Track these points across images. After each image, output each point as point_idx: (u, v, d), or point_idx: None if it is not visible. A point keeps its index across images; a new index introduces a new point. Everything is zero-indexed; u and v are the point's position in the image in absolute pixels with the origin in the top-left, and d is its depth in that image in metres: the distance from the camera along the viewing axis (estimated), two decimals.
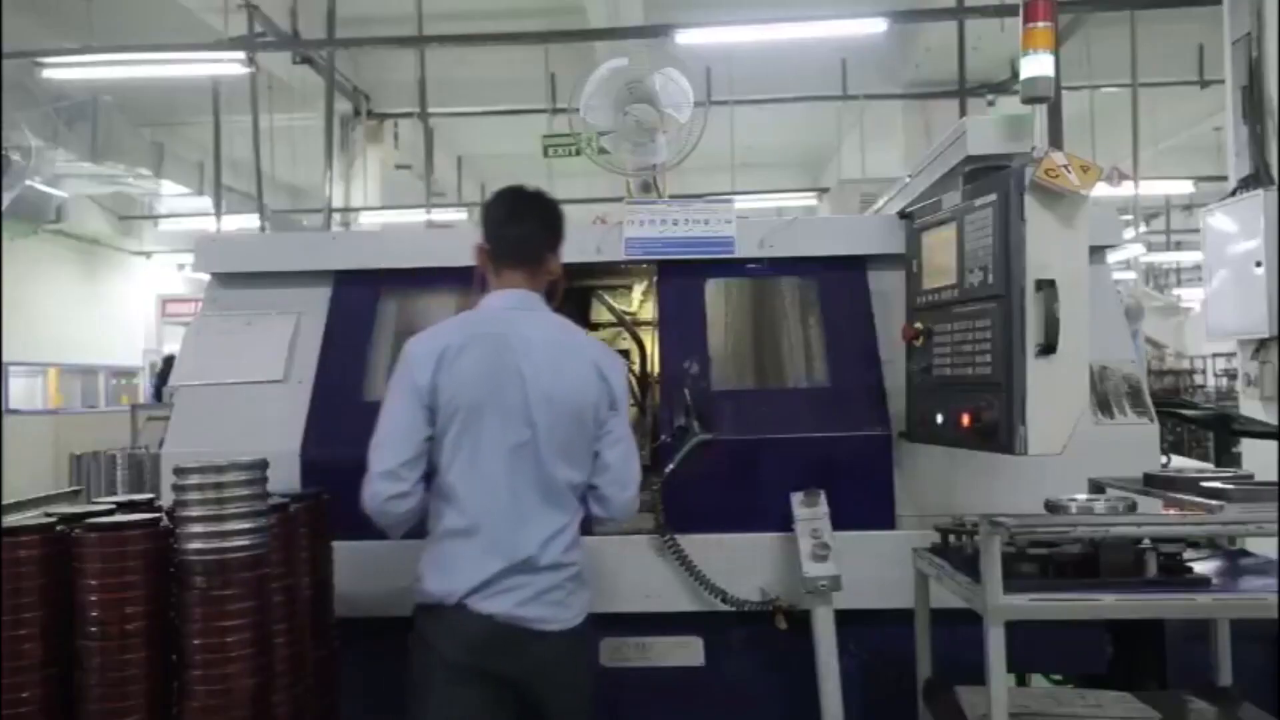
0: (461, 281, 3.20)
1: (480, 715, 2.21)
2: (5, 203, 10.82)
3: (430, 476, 2.28)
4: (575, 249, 2.80)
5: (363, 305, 3.17)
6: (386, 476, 2.20)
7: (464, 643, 2.20)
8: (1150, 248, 16.36)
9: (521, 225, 2.41)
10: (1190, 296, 18.68)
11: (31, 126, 10.65)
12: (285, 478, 2.56)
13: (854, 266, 3.14)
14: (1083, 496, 2.44)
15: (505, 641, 2.20)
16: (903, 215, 2.98)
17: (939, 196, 2.78)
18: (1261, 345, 5.77)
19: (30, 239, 13.36)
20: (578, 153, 3.55)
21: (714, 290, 3.17)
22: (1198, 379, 16.21)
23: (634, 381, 3.60)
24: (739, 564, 2.84)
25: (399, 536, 2.35)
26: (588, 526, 2.43)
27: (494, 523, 2.22)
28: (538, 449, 2.23)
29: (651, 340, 3.21)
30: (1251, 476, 2.53)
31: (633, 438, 2.43)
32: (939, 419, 2.63)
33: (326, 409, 3.00)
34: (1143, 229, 14.12)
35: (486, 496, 2.22)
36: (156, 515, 2.11)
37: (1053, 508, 2.32)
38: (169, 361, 10.74)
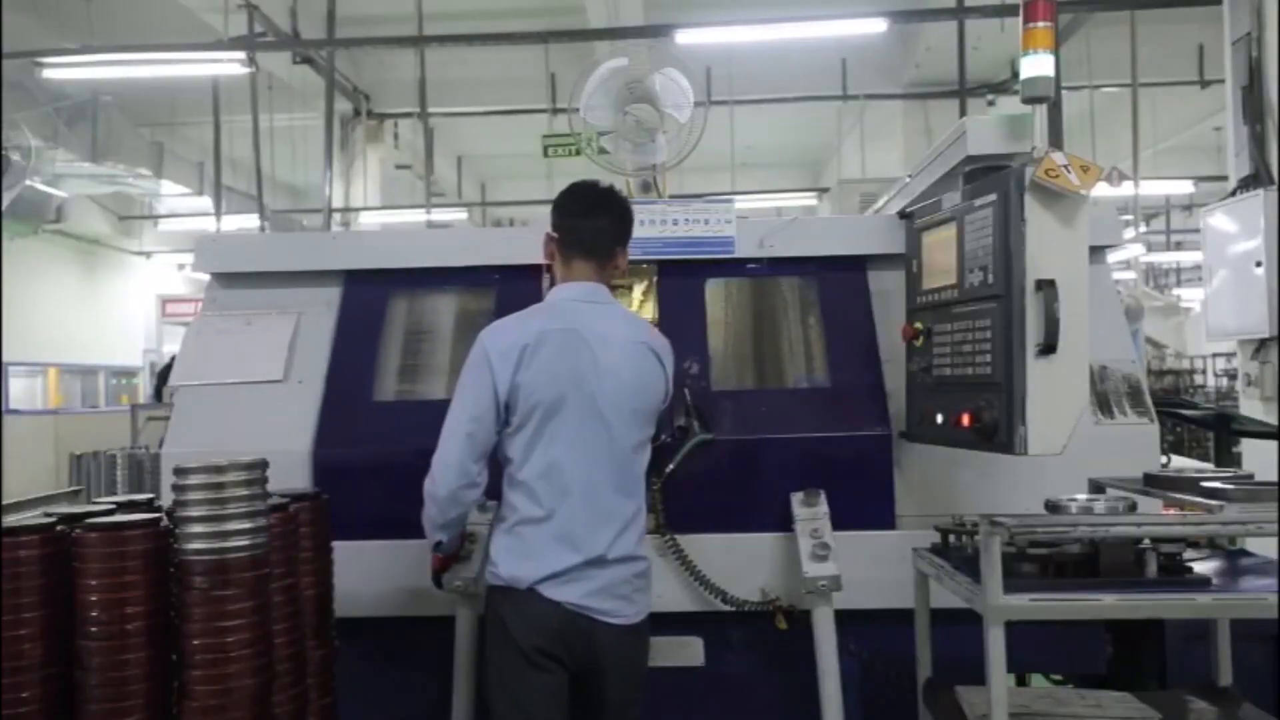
0: (466, 281, 3.20)
1: (543, 696, 2.32)
2: (5, 203, 10.81)
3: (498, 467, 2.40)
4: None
5: (373, 305, 3.17)
6: (458, 468, 2.30)
7: (534, 626, 2.30)
8: (1150, 248, 16.36)
9: (596, 219, 2.47)
10: (1190, 296, 18.67)
11: (31, 126, 10.64)
12: (285, 478, 2.55)
13: (854, 266, 3.14)
14: (1083, 496, 2.44)
15: (572, 628, 2.30)
16: (903, 215, 2.97)
17: (939, 196, 2.78)
18: (1261, 345, 5.78)
19: (30, 239, 13.36)
20: (578, 153, 3.55)
21: (714, 290, 3.17)
22: (1198, 379, 16.20)
23: None
24: (739, 564, 2.84)
25: (448, 533, 2.45)
26: None
27: (570, 515, 2.30)
28: (613, 442, 2.33)
29: None
30: (1251, 476, 2.52)
31: None
32: (939, 419, 2.63)
33: (338, 408, 3.00)
34: (1143, 229, 14.12)
35: (563, 490, 2.31)
36: (156, 515, 2.10)
37: (1053, 508, 2.32)
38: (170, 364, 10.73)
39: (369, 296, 3.18)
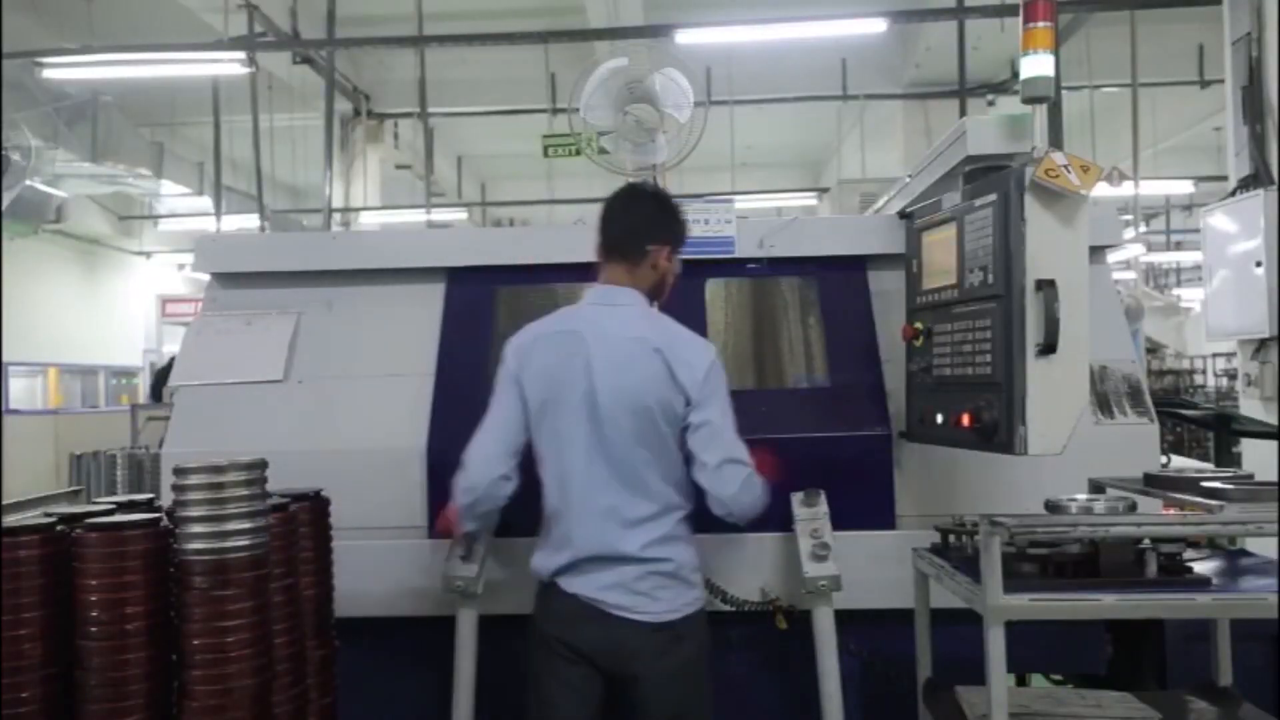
0: (567, 276, 3.14)
1: (567, 686, 2.35)
2: (5, 203, 10.81)
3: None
4: (575, 250, 2.81)
5: (479, 301, 3.13)
6: (489, 461, 2.37)
7: (553, 616, 2.37)
8: (1150, 248, 16.35)
9: (624, 218, 2.47)
10: (1190, 296, 18.67)
11: (31, 126, 10.64)
12: (284, 477, 2.55)
13: (854, 266, 3.14)
14: (1083, 496, 2.44)
15: (587, 621, 2.32)
16: (903, 215, 2.97)
17: (939, 196, 2.78)
18: (1261, 345, 5.78)
19: (30, 239, 13.36)
20: (578, 153, 3.55)
21: (714, 290, 3.17)
22: (1198, 379, 16.21)
23: None
24: (739, 564, 2.84)
25: (479, 524, 2.48)
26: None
27: (570, 512, 2.35)
28: (611, 443, 2.32)
29: None
30: (1251, 476, 2.53)
31: (728, 429, 2.37)
32: (939, 419, 2.63)
33: (449, 404, 2.97)
34: (1143, 229, 14.12)
35: (564, 487, 2.36)
36: (156, 515, 2.10)
37: (1053, 508, 2.32)
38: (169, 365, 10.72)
39: (473, 294, 3.14)
